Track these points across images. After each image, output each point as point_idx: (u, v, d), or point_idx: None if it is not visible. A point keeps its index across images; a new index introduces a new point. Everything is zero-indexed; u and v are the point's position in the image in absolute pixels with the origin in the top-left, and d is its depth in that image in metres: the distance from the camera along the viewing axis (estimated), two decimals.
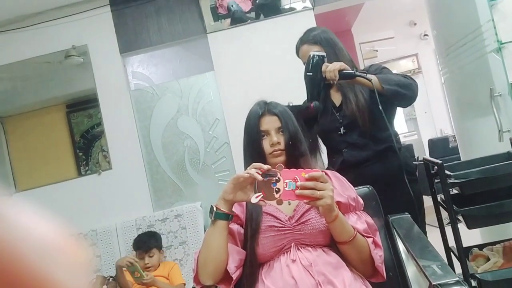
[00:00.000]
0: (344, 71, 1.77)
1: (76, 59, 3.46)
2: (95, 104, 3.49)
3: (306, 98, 1.94)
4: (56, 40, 3.47)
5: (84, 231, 3.20)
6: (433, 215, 2.11)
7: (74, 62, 3.47)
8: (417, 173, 2.17)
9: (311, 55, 1.81)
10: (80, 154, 3.51)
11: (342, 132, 1.97)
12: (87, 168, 3.51)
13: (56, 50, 3.47)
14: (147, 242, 2.89)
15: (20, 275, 0.31)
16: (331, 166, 2.06)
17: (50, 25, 3.46)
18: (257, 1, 3.38)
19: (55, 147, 3.54)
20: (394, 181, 1.89)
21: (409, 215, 1.78)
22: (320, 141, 2.08)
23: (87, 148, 3.51)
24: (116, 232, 3.23)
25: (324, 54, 1.82)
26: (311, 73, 1.80)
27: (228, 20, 3.40)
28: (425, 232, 1.97)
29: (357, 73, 1.79)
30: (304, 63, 2.04)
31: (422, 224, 2.00)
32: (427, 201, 2.11)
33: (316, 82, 1.81)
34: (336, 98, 2.02)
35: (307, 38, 2.03)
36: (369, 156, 1.95)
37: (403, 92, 1.81)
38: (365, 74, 1.78)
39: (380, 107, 1.75)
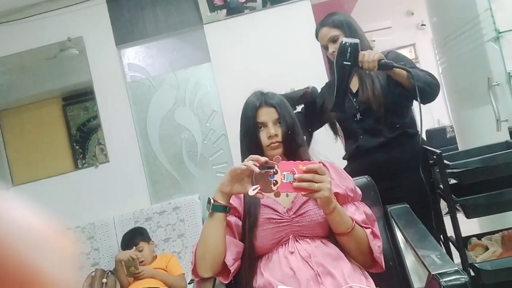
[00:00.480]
0: (383, 61, 1.72)
1: (71, 51, 3.44)
2: (91, 97, 3.47)
3: (324, 85, 2.00)
4: (51, 33, 3.43)
5: (82, 225, 3.19)
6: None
7: (70, 55, 3.44)
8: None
9: (345, 43, 1.72)
10: (77, 147, 3.49)
11: (358, 118, 1.95)
12: (84, 161, 3.49)
13: (52, 43, 3.44)
14: (132, 238, 2.88)
15: (8, 266, 0.31)
16: (346, 151, 2.08)
17: (45, 17, 3.43)
18: None
19: (51, 140, 3.52)
20: (407, 167, 1.87)
21: (408, 205, 1.77)
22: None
23: (84, 141, 3.49)
24: (114, 225, 3.22)
25: (357, 41, 1.74)
26: (349, 62, 1.70)
27: (224, 11, 3.38)
28: (442, 221, 1.97)
29: (396, 64, 1.74)
30: (322, 46, 2.05)
31: (436, 213, 1.96)
32: None
33: (351, 71, 1.73)
34: (353, 84, 1.97)
35: (327, 21, 1.99)
36: (384, 142, 1.92)
37: (428, 90, 1.79)
38: (405, 65, 1.74)
39: (418, 99, 1.73)
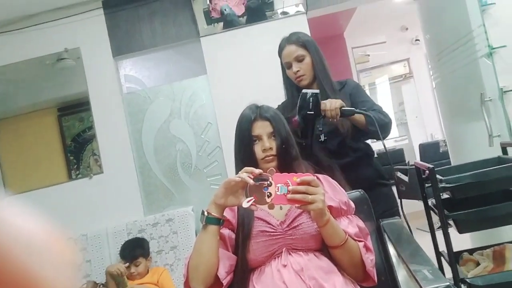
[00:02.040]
0: (344, 108, 1.80)
1: (68, 62, 3.44)
2: (87, 108, 3.47)
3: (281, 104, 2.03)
4: (48, 43, 3.45)
5: (74, 236, 3.17)
6: (424, 219, 2.12)
7: (67, 65, 3.45)
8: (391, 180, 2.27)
9: (308, 93, 1.79)
10: (71, 157, 3.49)
11: (323, 139, 1.98)
12: (78, 172, 3.48)
13: (49, 53, 3.45)
14: (132, 252, 2.88)
15: (8, 273, 0.32)
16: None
17: (43, 28, 3.44)
18: (247, 3, 3.37)
19: (46, 150, 3.51)
20: (370, 186, 1.93)
21: (401, 219, 1.79)
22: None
23: (78, 152, 3.49)
24: (106, 236, 3.20)
25: (318, 91, 1.82)
26: (312, 112, 1.78)
27: (221, 24, 3.40)
28: (434, 235, 2.05)
29: (357, 110, 1.83)
30: (283, 63, 2.07)
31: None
32: (418, 205, 2.12)
33: (314, 120, 1.81)
34: None
35: (293, 39, 2.03)
36: (348, 162, 1.99)
37: (379, 133, 1.84)
38: (365, 110, 1.83)
39: (381, 137, 1.83)
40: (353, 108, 1.83)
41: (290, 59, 2.00)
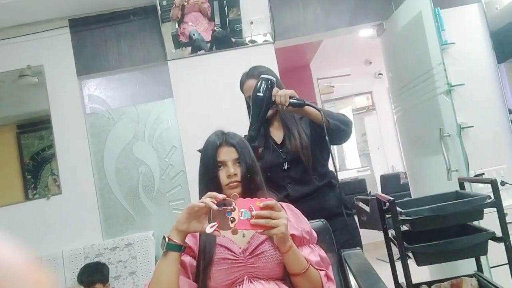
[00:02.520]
0: (294, 98, 1.83)
1: (30, 78, 3.37)
2: (48, 126, 3.39)
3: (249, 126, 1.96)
4: (11, 59, 3.38)
5: (33, 257, 3.04)
6: (384, 250, 2.15)
7: (28, 82, 3.38)
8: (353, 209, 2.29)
9: (262, 77, 1.85)
10: (29, 177, 3.38)
11: (286, 168, 2.01)
12: (35, 192, 3.37)
13: (11, 69, 3.38)
14: (91, 277, 2.81)
15: None
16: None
17: (5, 44, 3.37)
18: (213, 34, 3.41)
19: (2, 168, 3.39)
20: (333, 215, 1.96)
21: (361, 250, 1.80)
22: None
23: (36, 171, 3.38)
24: (62, 260, 3.09)
25: (274, 79, 1.87)
26: (261, 94, 1.82)
27: (189, 48, 3.41)
28: (394, 267, 2.06)
29: (307, 102, 1.85)
30: (246, 98, 2.11)
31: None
32: (379, 235, 2.15)
33: (265, 105, 1.84)
34: (277, 135, 2.07)
35: (253, 73, 2.08)
36: (312, 190, 2.01)
37: (343, 127, 1.91)
38: (315, 104, 1.86)
39: (327, 137, 1.83)
40: (303, 100, 1.85)
41: (249, 93, 2.00)
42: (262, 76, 1.86)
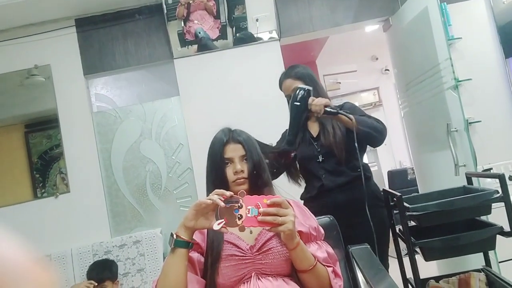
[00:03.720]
0: (329, 107, 1.93)
1: (37, 78, 3.40)
2: (55, 125, 3.41)
3: (284, 130, 2.12)
4: (18, 59, 3.40)
5: (37, 257, 3.06)
6: (392, 245, 2.15)
7: (36, 82, 3.40)
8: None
9: (299, 87, 1.96)
10: (37, 175, 3.40)
11: (320, 160, 2.11)
12: (43, 190, 3.39)
13: (18, 69, 3.40)
14: (100, 274, 2.83)
15: None
16: (309, 191, 2.20)
17: (13, 44, 3.39)
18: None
19: (10, 167, 3.41)
20: (364, 206, 1.96)
21: (369, 246, 1.80)
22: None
23: (45, 170, 3.40)
24: (71, 257, 3.12)
25: (311, 88, 1.97)
26: (298, 103, 1.93)
27: (195, 46, 3.42)
28: (401, 262, 2.14)
29: (341, 111, 1.94)
30: (285, 96, 2.22)
31: (385, 249, 2.12)
32: None
33: (301, 113, 1.95)
34: (313, 129, 2.19)
35: (290, 73, 2.19)
36: (346, 181, 2.09)
37: (374, 134, 2.00)
38: (348, 113, 1.95)
39: (356, 144, 1.91)
40: (336, 109, 1.95)
41: (288, 92, 2.14)
42: (300, 86, 1.98)
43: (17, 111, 3.47)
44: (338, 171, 2.10)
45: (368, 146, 2.20)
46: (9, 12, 3.15)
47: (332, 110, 1.93)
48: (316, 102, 1.91)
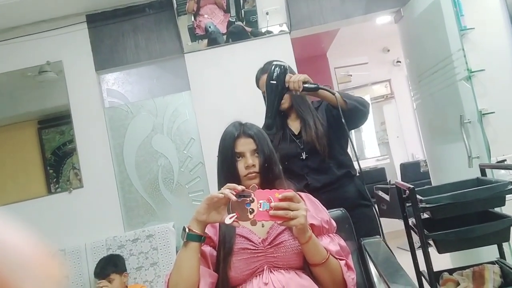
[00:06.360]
0: (308, 83, 1.84)
1: (50, 74, 3.42)
2: (68, 121, 3.44)
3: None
4: (30, 55, 3.43)
5: (52, 251, 3.10)
6: (404, 238, 2.13)
7: (48, 78, 3.43)
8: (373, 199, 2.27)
9: (275, 64, 1.85)
10: (51, 171, 3.44)
11: (304, 157, 2.03)
12: (57, 186, 3.43)
13: (30, 66, 3.43)
14: (104, 269, 2.87)
15: None
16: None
17: (25, 40, 3.42)
18: (229, 29, 3.41)
19: (24, 163, 3.46)
20: (352, 206, 1.95)
21: (381, 239, 1.80)
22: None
23: (58, 166, 3.44)
24: (85, 252, 3.15)
25: (287, 64, 1.87)
26: (275, 82, 1.83)
27: (205, 41, 3.42)
28: (414, 255, 2.04)
29: (321, 86, 1.86)
30: (262, 93, 2.12)
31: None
32: (399, 224, 2.13)
33: (279, 91, 1.85)
34: (294, 126, 2.10)
35: (267, 68, 2.04)
36: (331, 180, 2.02)
37: (360, 108, 1.91)
38: (329, 87, 1.87)
39: (343, 120, 1.83)
40: (316, 84, 1.86)
41: (264, 89, 2.01)
42: (275, 62, 1.87)
43: (30, 107, 3.50)
44: (322, 169, 2.02)
45: (374, 132, 2.13)
46: (20, 9, 3.17)
47: (311, 85, 1.84)
48: (293, 79, 1.82)
